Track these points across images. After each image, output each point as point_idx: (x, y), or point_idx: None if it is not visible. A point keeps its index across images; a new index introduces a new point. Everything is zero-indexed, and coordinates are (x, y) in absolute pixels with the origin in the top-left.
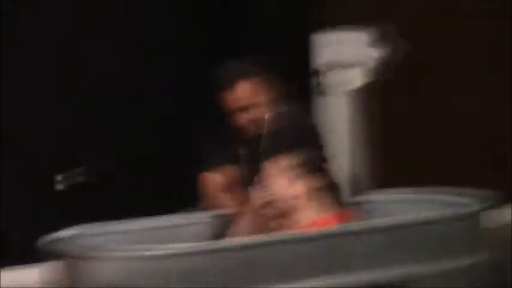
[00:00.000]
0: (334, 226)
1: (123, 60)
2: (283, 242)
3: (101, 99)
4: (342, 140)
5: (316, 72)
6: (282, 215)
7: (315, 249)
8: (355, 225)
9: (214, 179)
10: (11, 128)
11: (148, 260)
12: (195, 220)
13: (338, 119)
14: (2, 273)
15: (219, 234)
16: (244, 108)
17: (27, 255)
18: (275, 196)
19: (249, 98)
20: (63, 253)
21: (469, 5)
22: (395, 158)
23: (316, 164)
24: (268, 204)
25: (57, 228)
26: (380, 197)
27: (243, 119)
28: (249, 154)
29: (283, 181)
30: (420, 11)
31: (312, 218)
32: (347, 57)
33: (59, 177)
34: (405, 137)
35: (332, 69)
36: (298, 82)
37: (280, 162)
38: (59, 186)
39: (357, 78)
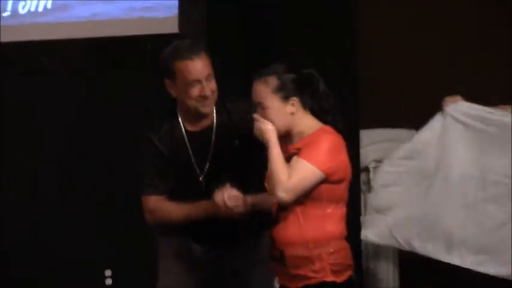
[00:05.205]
0: None
1: None
2: None
3: None
4: None
5: (366, 169)
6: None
7: None
8: None
9: (163, 203)
10: None
11: None
12: None
13: None
14: None
15: None
16: (208, 77)
17: None
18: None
19: (210, 67)
20: None
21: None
22: None
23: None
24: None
25: None
26: None
27: (209, 88)
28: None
29: (276, 101)
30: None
31: (317, 126)
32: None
33: None
34: None
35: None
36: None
37: (270, 82)
38: None
39: None
